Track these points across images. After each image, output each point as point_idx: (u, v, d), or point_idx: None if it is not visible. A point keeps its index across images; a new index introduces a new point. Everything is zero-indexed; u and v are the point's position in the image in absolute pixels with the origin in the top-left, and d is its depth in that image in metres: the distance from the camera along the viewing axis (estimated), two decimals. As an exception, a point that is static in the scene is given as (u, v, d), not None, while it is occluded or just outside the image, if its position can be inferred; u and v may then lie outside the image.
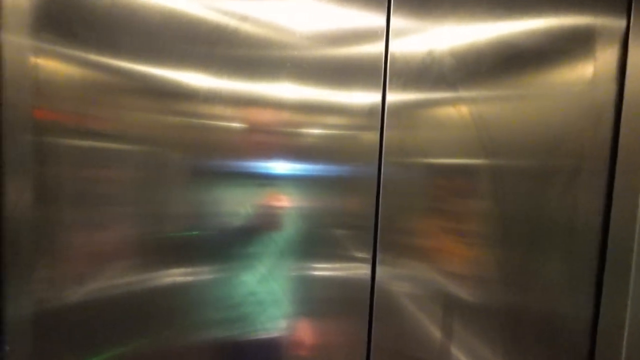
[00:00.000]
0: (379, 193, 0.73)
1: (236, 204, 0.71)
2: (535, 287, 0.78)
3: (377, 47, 0.71)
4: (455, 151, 0.75)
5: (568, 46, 0.75)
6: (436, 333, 0.77)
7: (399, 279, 0.75)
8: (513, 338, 0.79)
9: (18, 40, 0.62)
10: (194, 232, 0.69)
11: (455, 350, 0.78)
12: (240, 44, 0.68)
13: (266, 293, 0.72)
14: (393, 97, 0.72)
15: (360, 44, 0.71)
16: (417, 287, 0.76)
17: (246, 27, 0.68)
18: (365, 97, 0.72)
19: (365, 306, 0.74)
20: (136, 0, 0.64)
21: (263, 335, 0.73)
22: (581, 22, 0.75)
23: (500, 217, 0.76)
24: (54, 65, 0.63)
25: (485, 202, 0.76)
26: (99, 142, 0.65)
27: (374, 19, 0.71)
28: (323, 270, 0.74)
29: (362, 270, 0.74)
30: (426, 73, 0.73)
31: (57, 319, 0.65)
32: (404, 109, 0.73)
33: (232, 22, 0.67)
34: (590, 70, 0.76)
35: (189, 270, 0.69)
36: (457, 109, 0.74)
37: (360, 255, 0.74)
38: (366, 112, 0.72)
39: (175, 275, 0.69)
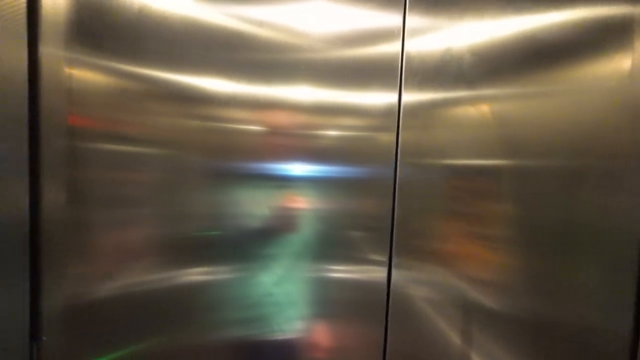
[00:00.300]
0: (395, 195, 0.72)
1: (254, 206, 0.72)
2: (566, 296, 0.73)
3: (393, 47, 0.70)
4: (475, 152, 0.72)
5: (602, 38, 0.70)
6: (455, 340, 0.74)
7: (416, 283, 0.73)
8: (541, 351, 0.74)
9: (54, 52, 0.66)
10: (214, 232, 0.71)
11: (475, 359, 0.74)
12: (258, 48, 0.69)
13: (283, 294, 0.73)
14: (409, 97, 0.71)
15: (376, 44, 0.71)
16: (435, 291, 0.73)
17: (263, 32, 0.69)
18: (381, 98, 0.71)
19: (382, 310, 0.73)
20: (160, 12, 0.67)
21: (279, 336, 0.73)
22: (617, 11, 0.70)
23: (525, 221, 0.72)
24: (86, 74, 0.68)
25: (508, 205, 0.73)
26: (125, 146, 0.69)
27: (390, 18, 0.70)
28: (339, 272, 0.73)
29: (378, 273, 0.73)
30: (444, 71, 0.71)
31: (87, 313, 0.69)
32: (420, 108, 0.71)
33: (250, 28, 0.69)
34: (627, 63, 0.70)
35: (209, 269, 0.71)
36: (478, 107, 0.71)
37: (376, 258, 0.73)
38: (382, 113, 0.71)
39: (196, 274, 0.71)
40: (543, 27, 0.70)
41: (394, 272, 0.73)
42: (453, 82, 0.71)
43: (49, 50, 0.66)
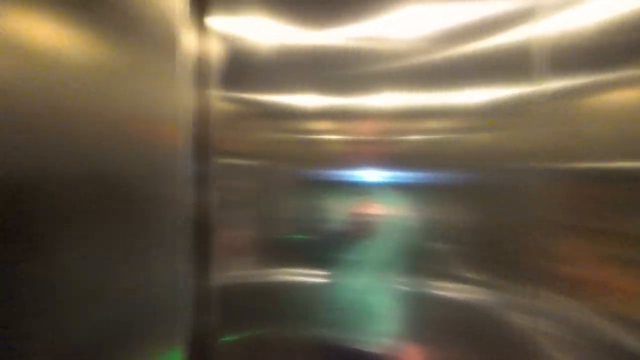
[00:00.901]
0: (501, 204, 0.61)
1: (342, 212, 0.73)
2: None
3: (501, 38, 0.61)
4: (624, 151, 0.53)
5: None
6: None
7: (525, 312, 0.58)
8: None
9: (208, 91, 0.87)
10: (307, 236, 0.76)
11: None
12: (361, 61, 0.71)
13: (368, 304, 0.71)
14: (520, 90, 0.59)
15: (473, 41, 0.62)
16: (556, 325, 0.56)
17: (364, 45, 0.71)
18: (485, 95, 0.62)
19: (479, 338, 0.61)
20: (274, 46, 0.79)
21: (362, 346, 0.72)
22: None
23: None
24: (226, 106, 0.86)
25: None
26: (241, 160, 0.83)
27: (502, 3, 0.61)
28: (430, 287, 0.66)
29: (473, 294, 0.62)
30: (589, 52, 0.56)
31: (225, 297, 0.85)
32: (545, 100, 0.59)
33: (345, 43, 0.73)
34: None
35: (301, 270, 0.76)
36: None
37: (472, 276, 0.62)
38: (488, 111, 0.62)
39: (291, 274, 0.77)
40: None
41: (494, 294, 0.60)
42: (593, 65, 0.55)
43: (205, 90, 0.87)
